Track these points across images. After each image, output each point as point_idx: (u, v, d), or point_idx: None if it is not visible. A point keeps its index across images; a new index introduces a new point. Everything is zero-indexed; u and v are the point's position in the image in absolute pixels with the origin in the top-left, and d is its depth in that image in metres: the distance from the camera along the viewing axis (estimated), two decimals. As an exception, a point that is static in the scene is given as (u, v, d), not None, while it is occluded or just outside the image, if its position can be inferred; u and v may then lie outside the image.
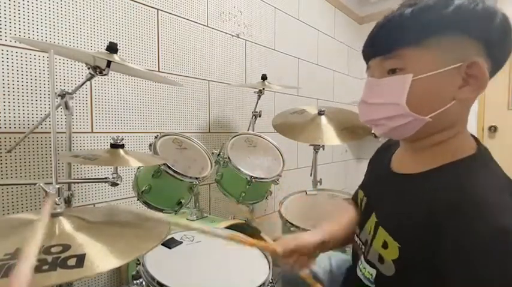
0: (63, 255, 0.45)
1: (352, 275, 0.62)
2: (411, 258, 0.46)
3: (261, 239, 0.67)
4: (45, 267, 0.43)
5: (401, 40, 0.46)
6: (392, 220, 0.52)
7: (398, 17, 0.47)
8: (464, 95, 0.46)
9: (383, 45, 0.49)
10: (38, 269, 0.42)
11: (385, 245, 0.50)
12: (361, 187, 0.71)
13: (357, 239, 0.65)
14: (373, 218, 0.57)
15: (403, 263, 0.47)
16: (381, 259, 0.51)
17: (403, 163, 0.58)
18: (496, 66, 0.47)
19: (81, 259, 0.45)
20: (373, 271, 0.53)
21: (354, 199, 0.76)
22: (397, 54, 0.47)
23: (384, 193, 0.58)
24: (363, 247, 0.60)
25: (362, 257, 0.58)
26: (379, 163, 0.66)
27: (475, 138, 0.52)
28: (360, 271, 0.58)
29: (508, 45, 0.46)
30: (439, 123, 0.47)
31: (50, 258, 0.44)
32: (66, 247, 0.47)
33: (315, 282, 0.60)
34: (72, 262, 0.44)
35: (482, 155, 0.49)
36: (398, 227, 0.49)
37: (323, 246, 0.65)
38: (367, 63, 0.54)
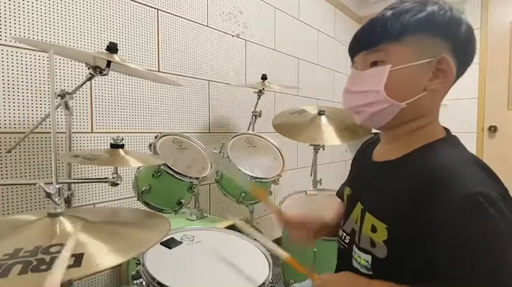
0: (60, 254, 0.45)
1: (346, 267, 0.64)
2: (399, 236, 0.50)
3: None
4: (43, 267, 0.43)
5: (383, 36, 0.54)
6: (377, 204, 0.57)
7: (380, 17, 0.55)
8: (434, 87, 0.53)
9: (368, 40, 0.56)
10: (35, 268, 0.42)
11: (373, 229, 0.54)
12: (346, 183, 0.76)
13: (340, 231, 0.68)
14: (358, 207, 0.61)
15: (393, 242, 0.51)
16: (372, 243, 0.55)
17: (383, 153, 0.63)
18: (461, 66, 0.54)
19: (79, 258, 0.45)
20: (369, 257, 0.56)
21: (339, 196, 0.81)
22: (379, 48, 0.54)
23: (366, 181, 0.64)
24: (348, 237, 0.64)
25: (355, 247, 0.60)
26: (361, 158, 0.72)
27: (445, 129, 0.59)
28: (356, 261, 0.60)
29: (471, 49, 0.54)
30: (412, 111, 0.54)
31: (48, 258, 0.45)
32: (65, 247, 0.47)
33: (299, 265, 0.63)
34: (70, 261, 0.44)
35: (452, 138, 0.56)
36: (383, 209, 0.54)
37: (327, 229, 0.74)
38: (352, 59, 0.62)
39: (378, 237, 0.53)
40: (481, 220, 0.41)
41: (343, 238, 0.66)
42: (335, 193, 0.85)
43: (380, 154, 0.64)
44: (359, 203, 0.61)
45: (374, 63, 0.55)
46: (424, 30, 0.51)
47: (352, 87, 0.59)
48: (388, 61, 0.53)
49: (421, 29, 0.51)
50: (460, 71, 0.55)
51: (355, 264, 0.60)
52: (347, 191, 0.71)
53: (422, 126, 0.56)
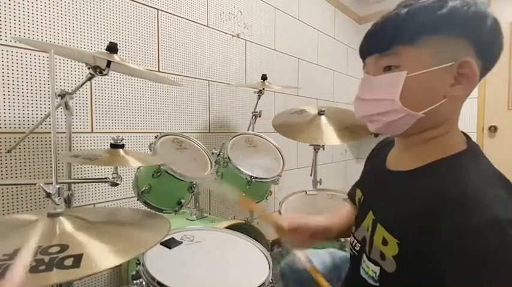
0: (60, 255, 0.45)
1: (353, 276, 0.62)
2: (410, 254, 0.47)
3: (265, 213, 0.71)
4: (42, 267, 0.43)
5: (397, 38, 0.48)
6: (389, 217, 0.53)
7: (394, 16, 0.49)
8: (456, 93, 0.47)
9: (379, 42, 0.51)
10: (34, 269, 0.42)
11: (384, 242, 0.51)
12: (358, 185, 0.72)
13: (352, 238, 0.65)
14: (370, 216, 0.58)
15: (403, 259, 0.48)
16: (382, 256, 0.52)
17: (397, 160, 0.59)
18: (486, 67, 0.49)
19: (78, 259, 0.45)
20: (377, 269, 0.53)
21: (350, 196, 0.78)
22: (392, 52, 0.49)
23: (379, 190, 0.60)
24: (359, 245, 0.61)
25: (365, 256, 0.58)
26: (376, 161, 0.67)
27: (466, 135, 0.54)
28: (363, 270, 0.58)
29: (497, 46, 0.48)
30: (431, 119, 0.49)
31: (47, 258, 0.44)
32: (64, 247, 0.47)
33: (320, 276, 0.60)
34: (69, 262, 0.44)
35: (472, 151, 0.51)
36: (396, 223, 0.51)
37: (325, 233, 0.70)
38: (363, 60, 0.56)
39: (388, 251, 0.50)
40: (504, 247, 0.37)
41: (354, 244, 0.63)
42: (338, 197, 0.83)
43: (394, 161, 0.60)
44: (371, 212, 0.58)
45: (387, 68, 0.50)
46: (444, 30, 0.46)
47: (364, 94, 0.54)
48: (403, 66, 0.48)
49: (441, 29, 0.46)
50: (485, 71, 0.49)
51: (362, 273, 0.58)
52: (358, 194, 0.68)
53: (440, 134, 0.51)
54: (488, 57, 0.48)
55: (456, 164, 0.48)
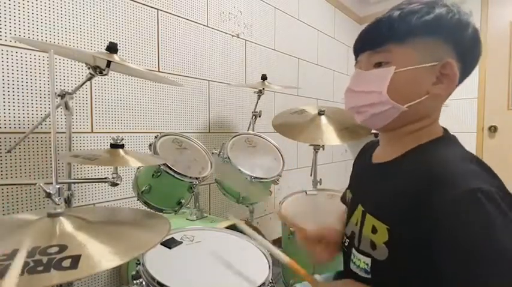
0: (58, 256, 0.45)
1: (344, 272, 0.64)
2: (400, 237, 0.50)
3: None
4: (40, 268, 0.42)
5: (388, 37, 0.53)
6: (377, 205, 0.56)
7: (387, 17, 0.54)
8: (437, 91, 0.52)
9: (373, 40, 0.56)
10: (32, 270, 0.42)
11: (374, 230, 0.54)
12: (348, 187, 0.75)
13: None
14: (359, 209, 0.60)
15: (394, 243, 0.50)
16: (373, 245, 0.54)
17: (382, 154, 0.63)
18: (465, 71, 0.54)
19: (76, 260, 0.44)
20: (368, 260, 0.55)
21: (343, 200, 0.80)
22: (384, 49, 0.54)
23: (366, 184, 0.64)
24: (347, 240, 0.64)
25: (354, 250, 0.60)
26: (361, 161, 0.72)
27: (444, 129, 0.58)
28: (354, 264, 0.59)
29: (476, 52, 0.54)
30: (414, 113, 0.54)
31: (45, 259, 0.44)
32: (62, 248, 0.47)
33: (301, 269, 0.62)
34: (67, 263, 0.44)
35: (448, 137, 0.56)
36: (384, 209, 0.54)
37: (342, 236, 0.70)
38: (356, 58, 0.62)
39: (379, 239, 0.52)
40: (481, 216, 0.41)
41: (343, 241, 0.66)
42: (338, 197, 0.84)
43: (379, 155, 0.64)
44: (359, 205, 0.61)
45: (378, 64, 0.55)
46: (431, 33, 0.51)
47: (355, 86, 0.59)
48: (392, 63, 0.53)
49: (428, 32, 0.51)
50: (464, 75, 0.54)
51: (353, 267, 0.59)
52: (348, 195, 0.71)
53: (421, 128, 0.55)
54: (467, 61, 0.53)
55: (433, 147, 0.53)
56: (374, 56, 0.55)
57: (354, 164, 0.78)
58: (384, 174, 0.59)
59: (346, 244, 0.64)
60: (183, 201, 1.10)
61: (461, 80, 0.54)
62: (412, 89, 0.52)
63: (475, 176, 0.44)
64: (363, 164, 0.69)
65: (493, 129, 2.48)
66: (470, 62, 0.54)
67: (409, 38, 0.51)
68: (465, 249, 0.41)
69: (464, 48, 0.52)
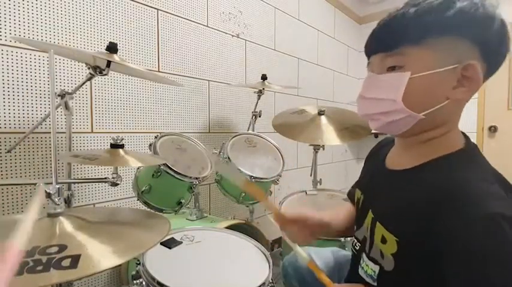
0: (58, 256, 0.45)
1: (352, 276, 0.63)
2: (409, 251, 0.47)
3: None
4: (39, 268, 0.42)
5: (403, 38, 0.48)
6: (388, 215, 0.53)
7: (401, 15, 0.48)
8: (458, 96, 0.47)
9: (385, 42, 0.51)
10: (31, 270, 0.42)
11: (383, 240, 0.52)
12: (357, 185, 0.73)
13: (353, 238, 0.66)
14: (369, 215, 0.58)
15: (401, 256, 0.49)
16: (382, 255, 0.52)
17: (396, 160, 0.59)
18: (490, 70, 0.49)
19: (75, 260, 0.44)
20: (376, 268, 0.54)
21: (350, 196, 0.78)
22: (397, 52, 0.49)
23: (378, 189, 0.60)
24: (359, 244, 0.62)
25: (364, 255, 0.59)
26: (375, 160, 0.68)
27: (465, 135, 0.54)
28: (363, 269, 0.58)
29: (503, 50, 0.47)
30: (432, 120, 0.49)
31: (44, 259, 0.44)
32: (62, 248, 0.47)
33: (320, 271, 0.60)
34: (66, 262, 0.44)
35: (470, 150, 0.51)
36: (394, 221, 0.51)
37: (326, 227, 0.69)
38: (368, 58, 0.56)
39: (387, 249, 0.51)
40: (498, 242, 0.38)
41: (354, 244, 0.64)
42: (338, 197, 0.83)
43: (394, 160, 0.60)
44: (370, 211, 0.58)
45: (392, 68, 0.50)
46: (451, 31, 0.45)
47: (366, 93, 0.54)
48: (407, 67, 0.48)
49: (447, 31, 0.45)
50: (489, 75, 0.49)
51: (361, 272, 0.58)
52: (358, 194, 0.68)
53: (440, 135, 0.51)
54: (493, 61, 0.48)
55: (453, 162, 0.48)
56: (387, 59, 0.50)
57: (366, 160, 0.74)
58: (397, 183, 0.55)
59: (357, 248, 0.62)
60: (183, 201, 1.10)
61: (485, 80, 0.49)
62: (429, 95, 0.47)
63: (497, 199, 0.41)
64: (375, 165, 0.65)
65: (493, 129, 2.48)
66: (496, 61, 0.48)
67: (426, 38, 0.46)
68: (481, 273, 0.39)
69: (490, 45, 0.46)
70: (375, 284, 0.54)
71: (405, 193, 0.51)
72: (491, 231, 0.38)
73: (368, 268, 0.56)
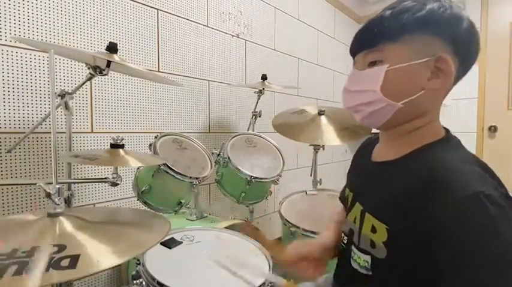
0: (57, 256, 0.45)
1: (344, 269, 0.64)
2: (399, 237, 0.50)
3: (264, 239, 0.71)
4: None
5: (381, 36, 0.54)
6: (377, 205, 0.56)
7: (379, 17, 0.55)
8: (432, 86, 0.52)
9: (366, 40, 0.57)
10: (30, 270, 0.42)
11: (373, 230, 0.54)
12: (346, 185, 0.75)
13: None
14: (357, 207, 0.61)
15: (393, 243, 0.51)
16: (372, 244, 0.54)
17: (382, 152, 0.63)
18: (464, 64, 0.53)
19: (75, 260, 0.44)
20: (368, 258, 0.55)
21: (341, 200, 0.80)
22: (377, 48, 0.55)
23: (366, 182, 0.63)
24: (346, 237, 0.64)
25: (354, 247, 0.60)
26: (361, 158, 0.72)
27: (445, 129, 0.58)
28: (355, 261, 0.59)
29: (473, 46, 0.53)
30: (410, 110, 0.54)
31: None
32: (62, 248, 0.47)
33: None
34: (65, 262, 0.44)
35: (450, 139, 0.55)
36: (383, 209, 0.54)
37: (330, 252, 0.72)
38: (353, 58, 0.62)
39: (378, 238, 0.53)
40: (483, 219, 0.41)
41: (342, 238, 0.66)
42: (338, 197, 0.84)
43: (379, 154, 0.64)
44: (357, 203, 0.61)
45: (373, 63, 0.55)
46: (423, 29, 0.51)
47: (351, 86, 0.60)
48: (385, 61, 0.53)
49: (420, 28, 0.51)
50: (462, 71, 0.54)
51: (353, 264, 0.60)
52: (347, 193, 0.71)
53: (421, 126, 0.55)
54: (465, 55, 0.53)
55: (435, 149, 0.53)
56: (368, 55, 0.56)
57: (352, 161, 0.78)
58: (383, 174, 0.59)
59: (345, 241, 0.65)
60: (183, 201, 1.10)
61: (460, 76, 0.54)
62: (406, 85, 0.53)
63: (478, 179, 0.44)
64: (362, 162, 0.69)
65: (493, 129, 2.48)
66: (467, 57, 0.53)
67: (401, 35, 0.52)
68: (468, 251, 0.41)
69: (459, 42, 0.51)
70: (370, 273, 0.55)
71: (392, 183, 0.55)
72: (475, 209, 0.41)
73: (361, 260, 0.57)
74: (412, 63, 0.51)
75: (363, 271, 0.57)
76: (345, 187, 0.77)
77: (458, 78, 0.54)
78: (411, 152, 0.55)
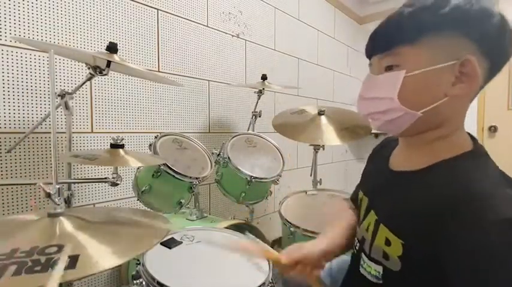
0: (57, 256, 0.45)
1: (354, 274, 0.63)
2: (415, 254, 0.47)
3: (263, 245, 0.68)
4: (37, 268, 0.42)
5: (398, 38, 0.49)
6: (392, 218, 0.53)
7: (397, 16, 0.49)
8: (456, 92, 0.47)
9: (382, 43, 0.52)
10: (29, 270, 0.42)
11: (387, 243, 0.51)
12: (360, 186, 0.72)
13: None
14: (372, 216, 0.57)
15: (408, 259, 0.48)
16: (385, 256, 0.52)
17: (401, 160, 0.59)
18: (494, 66, 0.48)
19: (74, 260, 0.44)
20: (380, 268, 0.53)
21: (353, 201, 0.77)
22: (393, 52, 0.49)
23: (382, 190, 0.59)
24: (358, 244, 0.61)
25: (364, 255, 0.58)
26: (378, 160, 0.67)
27: (471, 136, 0.53)
28: (365, 270, 0.58)
29: (505, 45, 0.47)
30: (433, 119, 0.49)
31: (43, 259, 0.44)
32: (61, 248, 0.47)
33: (318, 284, 0.60)
34: (64, 263, 0.44)
35: (479, 152, 0.50)
36: (400, 224, 0.50)
37: (327, 255, 0.65)
38: (369, 60, 0.57)
39: (392, 252, 0.50)
40: (508, 247, 0.37)
41: (355, 244, 0.64)
42: (337, 197, 0.81)
43: (398, 161, 0.59)
44: (373, 211, 0.58)
45: (389, 68, 0.50)
46: (446, 29, 0.45)
47: (365, 93, 0.55)
48: (403, 66, 0.48)
49: (443, 28, 0.46)
50: (493, 71, 0.48)
51: (362, 271, 0.58)
52: (360, 195, 0.67)
53: (445, 135, 0.50)
54: (495, 55, 0.47)
55: (462, 164, 0.48)
56: (384, 59, 0.51)
57: (368, 160, 0.73)
58: (402, 185, 0.54)
59: (357, 247, 0.62)
60: (183, 201, 1.10)
61: (490, 77, 0.49)
62: (426, 92, 0.48)
63: (509, 204, 0.40)
64: (379, 166, 0.64)
65: (493, 129, 2.48)
66: (498, 56, 0.47)
67: (421, 37, 0.47)
68: (486, 276, 0.38)
69: (488, 41, 0.45)
70: (380, 282, 0.53)
71: (412, 196, 0.50)
72: (502, 236, 0.37)
73: (371, 269, 0.55)
74: (432, 67, 0.46)
75: (373, 280, 0.55)
76: (357, 188, 0.73)
77: (487, 80, 0.48)
78: (435, 164, 0.50)
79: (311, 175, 1.58)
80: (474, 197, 0.42)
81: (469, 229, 0.40)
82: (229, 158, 1.19)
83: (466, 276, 0.40)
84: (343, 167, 2.94)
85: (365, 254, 0.58)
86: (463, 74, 0.46)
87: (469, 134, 0.53)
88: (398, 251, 0.49)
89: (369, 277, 0.56)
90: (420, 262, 0.46)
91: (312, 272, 0.63)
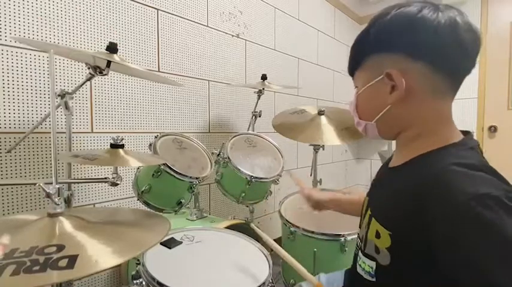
0: (56, 256, 0.45)
1: (351, 274, 0.64)
2: (403, 243, 0.49)
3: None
4: (36, 268, 0.42)
5: (352, 67, 0.63)
6: (380, 210, 0.57)
7: (351, 48, 0.62)
8: (394, 99, 0.54)
9: (348, 70, 0.65)
10: (28, 270, 0.42)
11: (377, 235, 0.54)
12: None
13: (357, 239, 0.67)
14: (368, 213, 0.61)
15: (396, 249, 0.50)
16: (377, 250, 0.54)
17: (395, 159, 0.64)
18: (441, 69, 0.51)
19: (73, 260, 0.44)
20: (373, 264, 0.55)
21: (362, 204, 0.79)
22: (354, 76, 0.64)
23: (376, 187, 0.66)
24: (359, 243, 0.63)
25: (360, 253, 0.60)
26: (386, 162, 0.71)
27: (465, 133, 0.56)
28: (360, 266, 0.59)
29: (447, 48, 0.50)
30: (394, 122, 0.57)
31: (42, 259, 0.44)
32: (60, 248, 0.47)
33: None
34: (63, 263, 0.44)
35: (462, 144, 0.52)
36: (387, 215, 0.54)
37: (355, 204, 0.81)
38: None
39: (382, 243, 0.52)
40: (488, 223, 0.39)
41: (358, 244, 0.66)
42: (345, 194, 0.92)
43: (393, 159, 0.64)
44: (369, 208, 0.61)
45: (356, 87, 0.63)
46: (372, 52, 0.56)
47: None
48: (358, 86, 0.61)
49: (369, 53, 0.57)
50: (443, 74, 0.51)
51: (359, 270, 0.60)
52: (364, 198, 0.70)
53: (419, 133, 0.54)
54: (434, 59, 0.50)
55: (443, 153, 0.51)
56: (354, 81, 0.64)
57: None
58: (389, 179, 0.61)
59: (358, 246, 0.65)
60: (183, 201, 1.10)
61: (441, 79, 0.51)
62: (372, 104, 0.59)
63: (482, 181, 0.42)
64: (382, 168, 0.70)
65: (493, 129, 2.48)
66: (440, 61, 0.50)
67: (362, 62, 0.59)
68: (471, 254, 0.40)
69: (419, 47, 0.50)
70: (374, 280, 0.55)
71: (395, 187, 0.55)
72: (480, 212, 0.39)
73: (365, 265, 0.57)
74: (369, 84, 0.57)
75: (367, 277, 0.56)
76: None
77: (438, 82, 0.51)
78: (414, 157, 0.54)
79: (311, 175, 1.58)
80: (444, 179, 0.44)
81: (445, 211, 0.42)
82: (229, 158, 1.19)
83: (449, 259, 0.42)
84: (343, 167, 2.94)
85: (361, 250, 0.60)
86: (395, 83, 0.53)
87: (465, 131, 0.56)
88: (387, 242, 0.51)
89: (364, 275, 0.58)
90: (408, 252, 0.48)
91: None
